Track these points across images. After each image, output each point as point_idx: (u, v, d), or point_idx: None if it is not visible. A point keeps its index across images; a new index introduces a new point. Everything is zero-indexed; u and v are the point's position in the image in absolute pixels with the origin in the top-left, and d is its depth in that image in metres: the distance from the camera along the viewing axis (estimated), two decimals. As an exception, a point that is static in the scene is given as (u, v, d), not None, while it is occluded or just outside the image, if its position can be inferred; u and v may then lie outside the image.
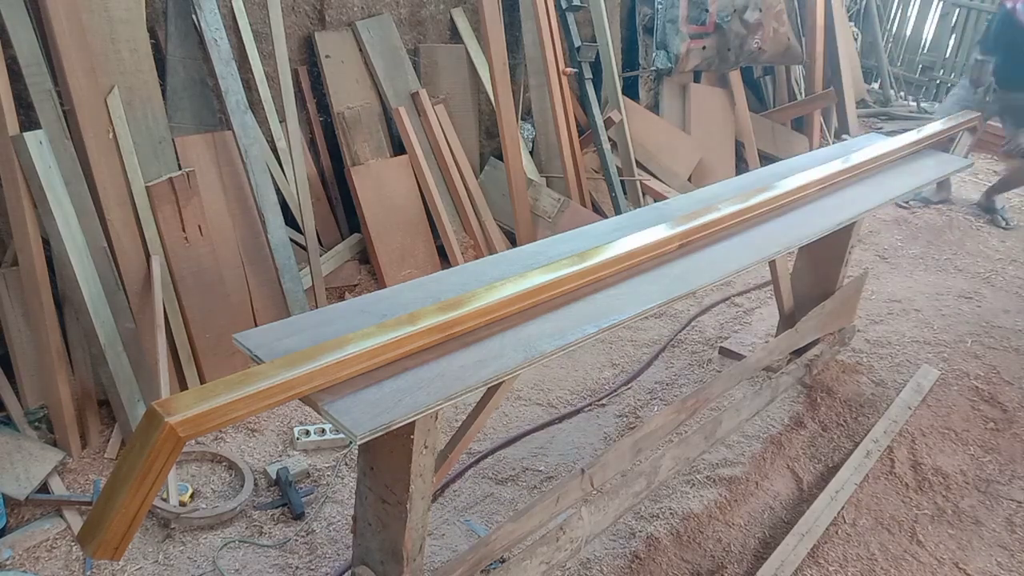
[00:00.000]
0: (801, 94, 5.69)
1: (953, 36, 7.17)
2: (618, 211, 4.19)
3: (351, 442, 1.38)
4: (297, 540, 2.39)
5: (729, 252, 2.17)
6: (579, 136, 4.29)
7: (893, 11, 7.44)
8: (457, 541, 2.42)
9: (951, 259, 4.43)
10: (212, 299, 2.89)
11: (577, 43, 4.15)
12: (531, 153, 4.33)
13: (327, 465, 2.69)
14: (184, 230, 2.82)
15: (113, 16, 2.64)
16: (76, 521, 2.34)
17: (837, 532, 2.52)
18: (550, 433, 2.94)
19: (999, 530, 2.59)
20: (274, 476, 2.56)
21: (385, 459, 1.66)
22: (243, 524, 2.43)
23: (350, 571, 1.90)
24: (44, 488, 2.41)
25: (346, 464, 2.70)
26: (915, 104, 6.80)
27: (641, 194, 4.49)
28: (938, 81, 7.27)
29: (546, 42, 4.02)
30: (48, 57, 2.49)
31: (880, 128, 5.91)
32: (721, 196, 2.47)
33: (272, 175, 3.22)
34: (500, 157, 4.03)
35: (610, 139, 4.42)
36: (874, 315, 3.80)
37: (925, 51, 7.35)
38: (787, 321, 3.07)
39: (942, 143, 3.22)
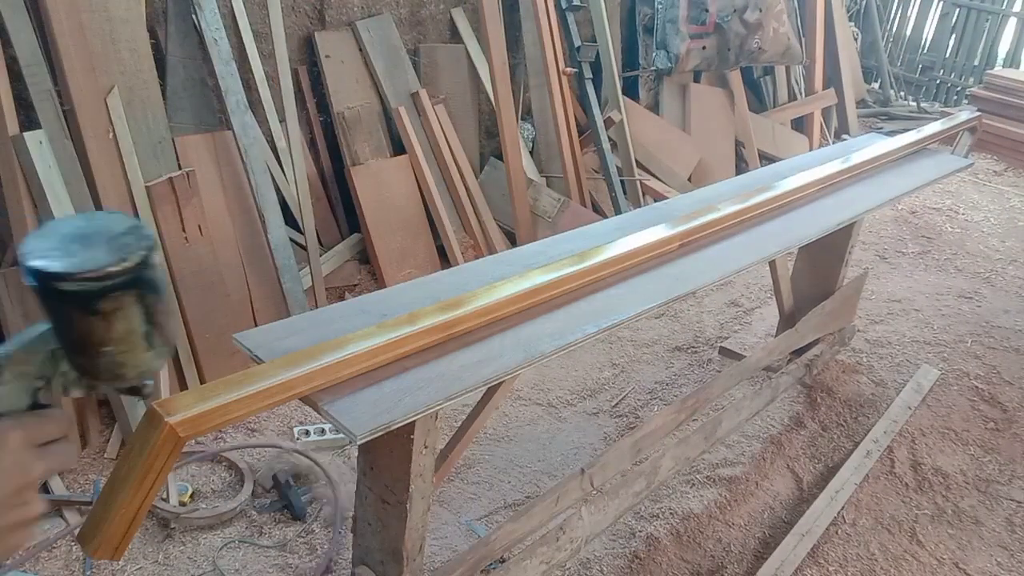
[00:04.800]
0: (801, 94, 5.69)
1: (953, 36, 7.17)
2: (618, 211, 4.19)
3: (351, 442, 1.38)
4: (297, 540, 2.39)
5: (729, 252, 2.17)
6: (579, 136, 4.29)
7: (893, 11, 7.44)
8: (457, 541, 2.42)
9: (951, 259, 4.43)
10: (212, 299, 2.89)
11: (577, 43, 4.15)
12: (531, 153, 4.32)
13: (329, 464, 2.69)
14: (184, 230, 2.82)
15: (113, 16, 2.64)
16: (76, 521, 2.34)
17: (837, 532, 2.52)
18: (550, 433, 2.94)
19: (999, 530, 2.59)
20: (281, 479, 2.56)
21: (385, 459, 1.66)
22: (243, 524, 2.43)
23: (340, 570, 1.90)
24: (44, 488, 2.41)
25: (347, 463, 2.70)
26: (915, 104, 6.80)
27: (641, 194, 4.49)
28: (938, 81, 7.27)
29: (546, 42, 4.02)
30: (48, 57, 2.49)
31: (880, 128, 5.91)
32: (721, 196, 2.47)
33: (272, 175, 3.22)
34: (500, 157, 4.03)
35: (610, 139, 4.42)
36: (874, 315, 3.80)
37: (925, 51, 7.35)
38: (787, 321, 3.07)
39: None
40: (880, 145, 3.00)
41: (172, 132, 2.88)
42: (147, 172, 2.74)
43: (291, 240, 3.21)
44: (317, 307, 3.27)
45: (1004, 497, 2.73)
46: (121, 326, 0.59)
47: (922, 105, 6.79)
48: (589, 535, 2.16)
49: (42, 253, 0.58)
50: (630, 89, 4.90)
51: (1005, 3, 6.98)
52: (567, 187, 4.18)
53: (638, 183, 4.49)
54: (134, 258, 0.58)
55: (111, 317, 0.58)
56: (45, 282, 0.57)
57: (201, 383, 2.80)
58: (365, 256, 3.73)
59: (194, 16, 2.95)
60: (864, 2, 6.95)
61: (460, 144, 3.90)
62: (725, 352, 3.44)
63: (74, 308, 0.57)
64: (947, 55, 7.21)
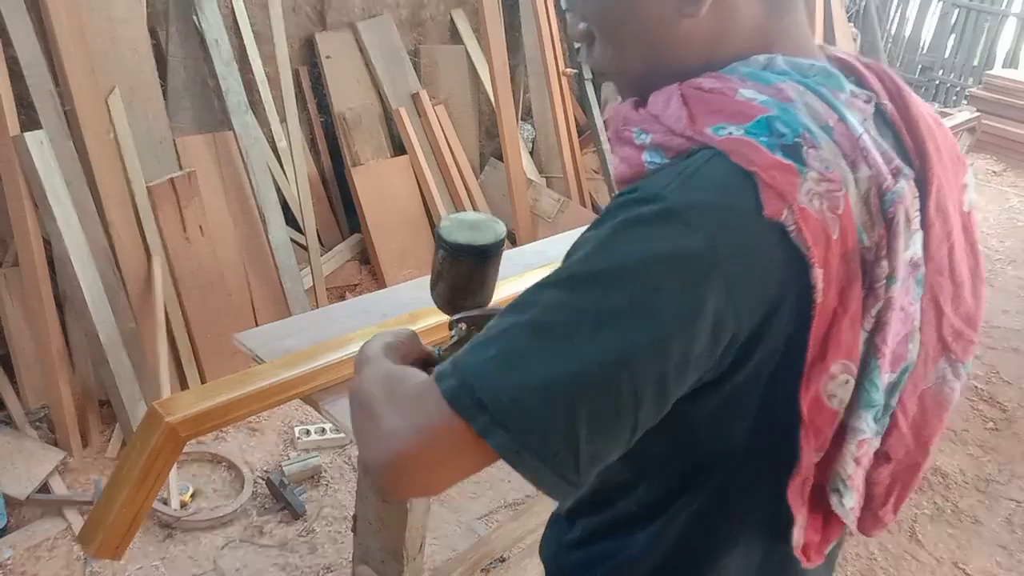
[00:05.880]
0: (801, 94, 5.69)
1: (952, 36, 7.18)
2: (618, 211, 4.19)
3: (351, 441, 1.39)
4: (298, 540, 2.40)
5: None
6: (579, 136, 4.30)
7: (892, 12, 7.45)
8: (457, 541, 2.43)
9: (951, 259, 4.43)
10: (213, 299, 2.89)
11: (577, 44, 4.16)
12: (531, 153, 4.33)
13: (329, 463, 2.70)
14: (185, 230, 2.83)
15: (114, 16, 2.65)
16: (77, 521, 2.34)
17: (836, 532, 2.52)
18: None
19: (998, 530, 2.60)
20: (275, 481, 2.55)
21: (385, 458, 1.66)
22: (244, 524, 2.44)
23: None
24: (45, 488, 2.41)
25: (347, 463, 2.70)
26: (915, 104, 6.80)
27: (641, 194, 4.49)
28: (937, 82, 7.28)
29: (546, 42, 4.02)
30: (49, 57, 2.50)
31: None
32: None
33: (273, 175, 3.23)
34: (500, 157, 4.04)
35: (610, 139, 4.42)
36: (874, 315, 3.81)
37: (924, 51, 7.36)
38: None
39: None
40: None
41: (173, 132, 2.89)
42: (148, 172, 2.74)
43: (292, 240, 3.22)
44: (318, 307, 3.28)
45: (1003, 497, 2.74)
46: (493, 271, 1.00)
47: (922, 105, 6.79)
48: (589, 535, 2.16)
49: (466, 235, 0.97)
50: (630, 89, 4.90)
51: (1004, 3, 6.99)
52: (567, 187, 4.18)
53: (638, 183, 4.48)
54: (502, 235, 0.99)
55: (494, 265, 0.99)
56: (488, 251, 0.96)
57: (202, 383, 2.80)
58: (366, 256, 3.73)
59: (195, 17, 2.95)
60: (863, 3, 6.95)
61: (460, 145, 3.91)
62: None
63: (481, 260, 0.97)
64: (946, 55, 7.22)
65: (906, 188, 0.68)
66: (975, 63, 7.08)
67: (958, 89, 7.12)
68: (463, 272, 0.97)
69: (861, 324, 0.67)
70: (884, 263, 0.67)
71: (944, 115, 4.82)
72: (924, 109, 0.77)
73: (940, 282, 0.74)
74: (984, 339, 3.64)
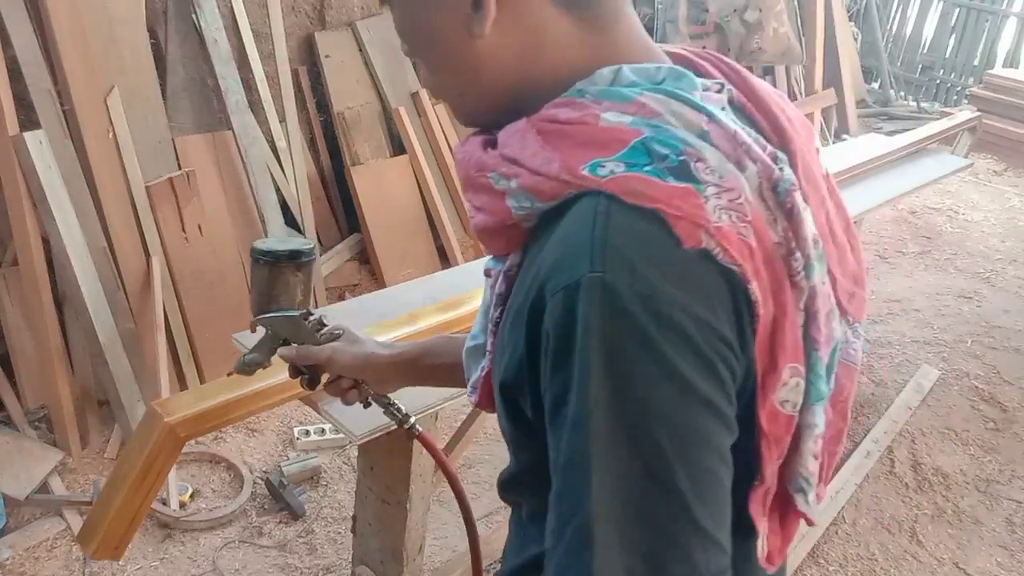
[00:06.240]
0: (801, 94, 5.68)
1: (953, 36, 7.17)
2: (618, 211, 4.18)
3: (351, 442, 1.39)
4: (297, 540, 2.39)
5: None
6: (579, 136, 4.29)
7: (893, 11, 7.44)
8: (457, 541, 2.42)
9: (951, 259, 4.43)
10: (212, 299, 2.89)
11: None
12: (531, 153, 4.32)
13: (328, 464, 2.69)
14: (184, 230, 2.82)
15: (113, 16, 2.64)
16: (76, 521, 2.34)
17: (837, 532, 2.52)
18: (550, 433, 2.94)
19: (999, 530, 2.60)
20: (274, 482, 2.54)
21: (385, 459, 1.66)
22: (243, 524, 2.43)
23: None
24: (44, 488, 2.41)
25: (347, 463, 2.70)
26: (915, 104, 6.80)
27: (641, 194, 4.49)
28: (938, 81, 7.27)
29: (546, 42, 4.02)
30: (48, 57, 2.49)
31: (880, 128, 5.91)
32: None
33: (272, 175, 3.22)
34: (500, 157, 4.03)
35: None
36: (874, 315, 3.80)
37: (925, 51, 7.35)
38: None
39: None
40: (880, 145, 3.00)
41: (172, 132, 2.88)
42: (147, 172, 2.74)
43: (291, 240, 3.21)
44: (317, 307, 3.27)
45: (1004, 497, 2.73)
46: (295, 282, 1.09)
47: (922, 105, 6.79)
48: (589, 535, 2.15)
49: (270, 245, 1.07)
50: (630, 89, 4.89)
51: (1005, 3, 6.99)
52: (567, 187, 4.18)
53: (638, 183, 4.48)
54: (312, 245, 1.10)
55: (294, 276, 1.08)
56: (280, 257, 1.06)
57: (201, 383, 2.80)
58: (365, 256, 3.73)
59: (194, 16, 2.95)
60: (864, 2, 6.95)
61: (460, 144, 3.90)
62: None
63: (277, 267, 1.07)
64: (947, 55, 7.21)
65: (792, 173, 0.67)
66: (976, 63, 7.07)
67: (959, 89, 7.11)
68: (263, 276, 1.08)
69: (798, 322, 0.67)
70: (798, 254, 0.66)
71: (945, 114, 4.82)
72: (766, 85, 0.76)
73: (828, 249, 0.73)
74: (984, 339, 3.64)
